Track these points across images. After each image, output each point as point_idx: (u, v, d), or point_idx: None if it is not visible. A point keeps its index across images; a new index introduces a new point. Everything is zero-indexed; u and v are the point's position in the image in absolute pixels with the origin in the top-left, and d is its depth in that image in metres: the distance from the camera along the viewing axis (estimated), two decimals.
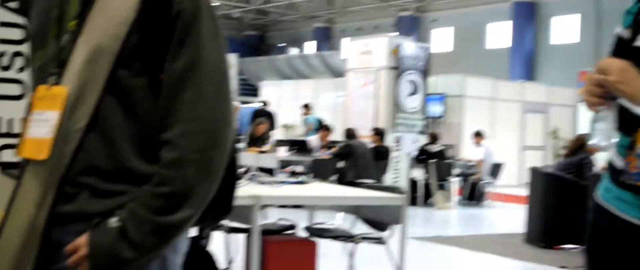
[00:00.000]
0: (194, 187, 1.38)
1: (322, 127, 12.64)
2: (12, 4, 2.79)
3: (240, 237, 4.56)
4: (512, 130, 17.43)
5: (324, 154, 11.07)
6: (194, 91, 1.40)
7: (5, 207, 1.42)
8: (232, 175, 1.53)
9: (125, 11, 1.40)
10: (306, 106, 16.69)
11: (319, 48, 30.46)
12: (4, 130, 2.77)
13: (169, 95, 1.40)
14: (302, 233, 4.95)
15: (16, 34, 2.77)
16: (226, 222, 4.34)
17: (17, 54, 2.80)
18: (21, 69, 2.80)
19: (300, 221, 5.10)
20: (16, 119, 2.73)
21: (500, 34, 25.28)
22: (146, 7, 1.40)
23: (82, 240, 1.37)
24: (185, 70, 1.40)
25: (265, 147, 10.71)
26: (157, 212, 1.36)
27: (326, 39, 31.71)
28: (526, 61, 23.82)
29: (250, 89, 23.76)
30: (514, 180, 15.70)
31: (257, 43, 34.40)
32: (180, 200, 1.37)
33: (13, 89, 2.80)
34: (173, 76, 1.40)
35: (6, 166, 2.75)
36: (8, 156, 2.76)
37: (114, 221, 1.36)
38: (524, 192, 8.82)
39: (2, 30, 2.77)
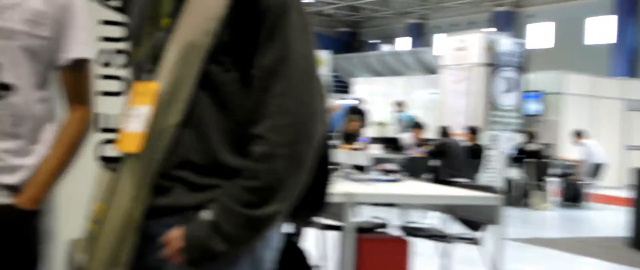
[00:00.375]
0: (284, 181, 1.38)
1: (415, 125, 12.51)
2: (113, 2, 2.87)
3: (334, 235, 4.55)
4: (614, 129, 16.76)
5: (417, 152, 10.95)
6: (283, 85, 1.40)
7: (107, 201, 1.46)
8: (325, 171, 1.52)
9: (215, 7, 1.41)
10: (399, 103, 16.57)
11: (412, 44, 30.20)
12: (105, 125, 2.85)
13: (259, 90, 1.41)
14: (394, 231, 4.89)
15: (116, 31, 2.85)
16: (320, 219, 4.34)
17: (118, 51, 2.88)
18: (121, 66, 2.88)
19: (392, 219, 5.04)
20: (116, 114, 2.81)
21: (599, 29, 24.36)
22: (236, 2, 1.41)
23: (177, 233, 1.38)
24: (275, 64, 1.40)
25: (358, 145, 10.69)
26: (248, 206, 1.36)
27: (419, 35, 31.40)
28: (629, 57, 22.84)
29: (342, 86, 23.80)
30: (615, 182, 15.08)
31: (350, 40, 34.44)
32: (271, 194, 1.38)
33: (113, 86, 2.88)
34: (263, 70, 1.41)
35: (107, 160, 2.84)
36: (109, 151, 2.84)
37: (206, 214, 1.38)
38: (626, 193, 8.44)
39: (103, 28, 2.85)
